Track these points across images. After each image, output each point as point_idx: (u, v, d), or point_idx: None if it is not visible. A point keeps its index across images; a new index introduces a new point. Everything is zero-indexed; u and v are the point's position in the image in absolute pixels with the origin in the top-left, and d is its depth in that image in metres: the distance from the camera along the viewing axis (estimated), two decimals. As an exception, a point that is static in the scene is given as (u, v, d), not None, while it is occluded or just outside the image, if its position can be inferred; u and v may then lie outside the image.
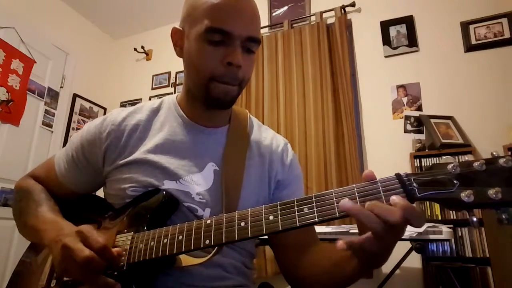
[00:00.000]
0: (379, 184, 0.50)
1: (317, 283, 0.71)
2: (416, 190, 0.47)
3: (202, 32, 0.69)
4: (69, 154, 0.82)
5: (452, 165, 0.44)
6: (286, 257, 0.78)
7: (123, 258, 0.64)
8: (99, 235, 0.60)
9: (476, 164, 0.43)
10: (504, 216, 0.41)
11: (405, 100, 2.40)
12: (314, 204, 0.53)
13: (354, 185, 0.52)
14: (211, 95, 0.72)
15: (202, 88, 0.72)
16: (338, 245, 0.49)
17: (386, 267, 2.08)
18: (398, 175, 0.49)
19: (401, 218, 0.44)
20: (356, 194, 0.51)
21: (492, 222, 1.70)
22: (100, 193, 0.86)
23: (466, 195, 0.42)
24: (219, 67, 0.70)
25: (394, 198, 0.46)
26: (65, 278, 0.69)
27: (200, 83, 0.73)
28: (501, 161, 0.41)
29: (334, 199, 0.52)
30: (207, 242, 0.58)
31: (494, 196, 0.41)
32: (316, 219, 0.52)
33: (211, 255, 0.65)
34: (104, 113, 3.46)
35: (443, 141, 2.06)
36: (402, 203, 0.45)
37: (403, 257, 1.74)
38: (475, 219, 0.43)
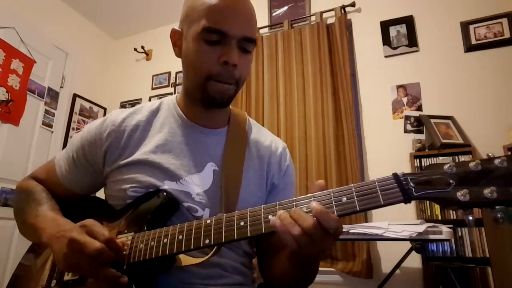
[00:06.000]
0: (376, 183, 0.51)
1: (283, 282, 0.74)
2: (413, 190, 0.47)
3: (199, 32, 0.70)
4: (69, 155, 0.82)
5: (448, 165, 0.45)
6: (264, 256, 0.82)
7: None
8: (103, 227, 0.61)
9: (472, 164, 0.44)
10: (499, 215, 0.41)
11: (405, 100, 2.40)
12: (313, 203, 0.54)
13: (352, 185, 0.53)
14: (208, 94, 0.73)
15: (199, 87, 0.74)
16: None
17: (386, 267, 2.09)
18: (395, 175, 0.50)
19: (312, 222, 0.50)
20: (354, 193, 0.52)
21: (492, 222, 1.70)
22: (101, 194, 0.86)
23: (462, 194, 0.43)
24: (215, 66, 0.71)
25: (312, 204, 0.52)
26: (65, 278, 0.69)
27: (197, 82, 0.74)
28: (496, 161, 0.42)
29: (333, 199, 0.53)
30: (206, 241, 0.58)
31: (489, 195, 0.41)
32: (315, 218, 0.53)
33: (209, 255, 0.66)
34: (104, 113, 3.47)
35: (443, 141, 2.06)
36: (317, 207, 0.50)
37: (403, 257, 1.74)
38: (471, 218, 0.44)
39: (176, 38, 0.79)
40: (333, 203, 0.52)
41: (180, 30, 0.78)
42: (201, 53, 0.71)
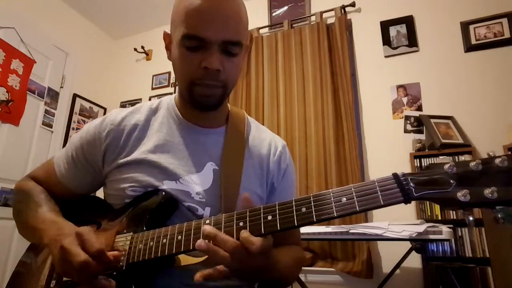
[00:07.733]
0: (376, 184, 0.50)
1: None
2: (413, 190, 0.47)
3: (180, 39, 0.70)
4: (69, 154, 0.82)
5: (448, 165, 0.44)
6: None
7: (122, 258, 0.64)
8: (97, 239, 0.60)
9: (472, 164, 0.43)
10: (499, 215, 0.41)
11: (405, 100, 2.40)
12: (312, 204, 0.54)
13: (351, 185, 0.52)
14: (195, 98, 0.74)
15: (187, 91, 0.74)
16: (196, 278, 0.58)
17: (386, 267, 2.09)
18: (395, 175, 0.50)
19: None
20: (354, 194, 0.51)
21: (492, 222, 1.70)
22: (100, 194, 0.86)
23: (462, 195, 0.43)
24: (198, 71, 0.70)
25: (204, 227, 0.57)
26: (64, 278, 0.69)
27: (184, 87, 0.74)
28: (497, 161, 0.42)
29: (332, 199, 0.53)
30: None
31: (490, 195, 0.41)
32: (314, 219, 0.53)
33: None
34: (104, 113, 3.46)
35: (443, 141, 2.06)
36: (208, 230, 0.56)
37: (403, 257, 1.74)
38: (471, 218, 0.43)
39: (168, 41, 0.78)
40: (333, 203, 0.52)
41: (170, 33, 0.78)
42: (183, 60, 0.71)
